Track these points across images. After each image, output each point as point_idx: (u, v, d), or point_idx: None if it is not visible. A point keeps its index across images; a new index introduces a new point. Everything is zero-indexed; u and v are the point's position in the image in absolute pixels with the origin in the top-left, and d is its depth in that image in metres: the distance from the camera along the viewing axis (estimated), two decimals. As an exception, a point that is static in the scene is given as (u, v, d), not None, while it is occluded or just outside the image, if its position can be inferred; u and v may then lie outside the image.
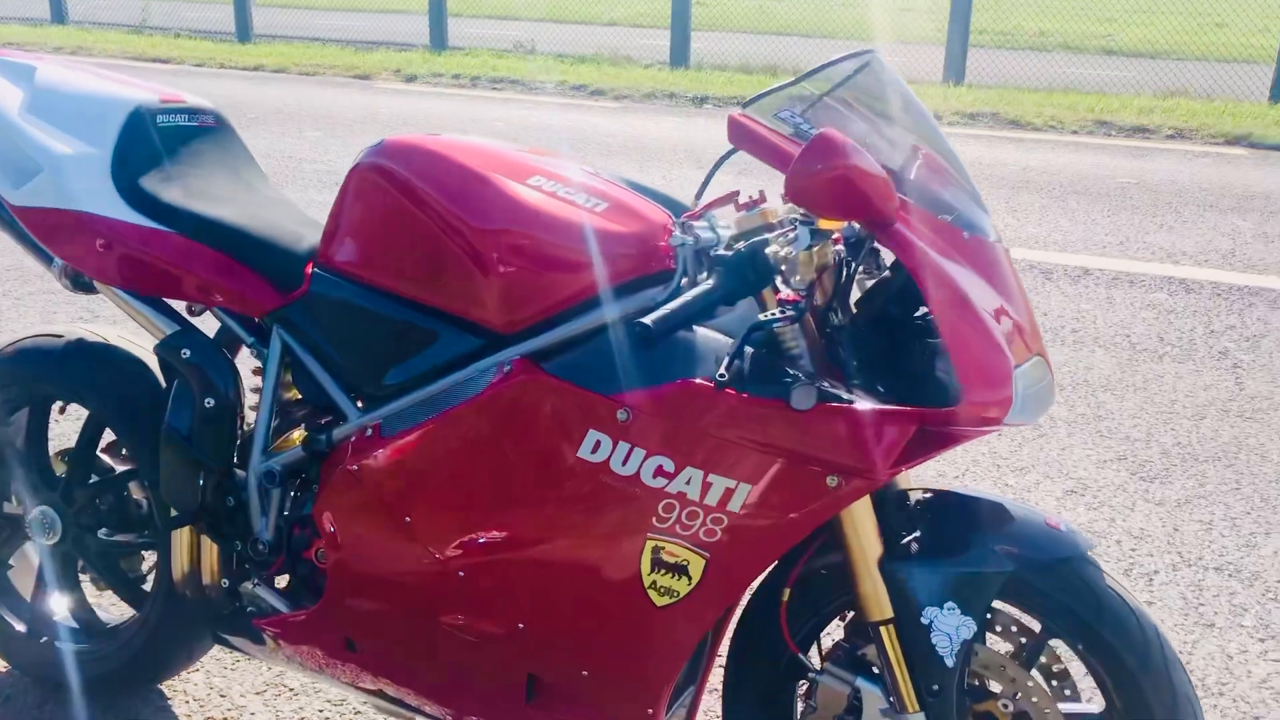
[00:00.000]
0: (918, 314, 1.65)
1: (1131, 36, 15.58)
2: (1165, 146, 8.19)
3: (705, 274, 1.63)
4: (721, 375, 1.48)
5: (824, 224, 1.57)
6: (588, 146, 7.44)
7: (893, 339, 1.65)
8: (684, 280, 1.66)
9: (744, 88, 9.94)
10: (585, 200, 1.74)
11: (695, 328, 1.68)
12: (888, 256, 1.69)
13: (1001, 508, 1.69)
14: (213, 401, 1.97)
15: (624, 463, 1.61)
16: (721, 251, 1.58)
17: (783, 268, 1.56)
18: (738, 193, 1.85)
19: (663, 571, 1.64)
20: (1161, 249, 5.43)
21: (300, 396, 2.05)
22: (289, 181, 6.37)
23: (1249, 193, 6.61)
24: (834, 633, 1.81)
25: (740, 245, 1.58)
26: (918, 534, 1.67)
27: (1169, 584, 2.75)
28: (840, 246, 1.65)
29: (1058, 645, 1.68)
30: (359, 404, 1.92)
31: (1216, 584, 2.76)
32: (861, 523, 1.64)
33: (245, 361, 2.06)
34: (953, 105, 9.18)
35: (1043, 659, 1.69)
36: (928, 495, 1.71)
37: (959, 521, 1.68)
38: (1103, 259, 5.26)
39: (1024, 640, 1.71)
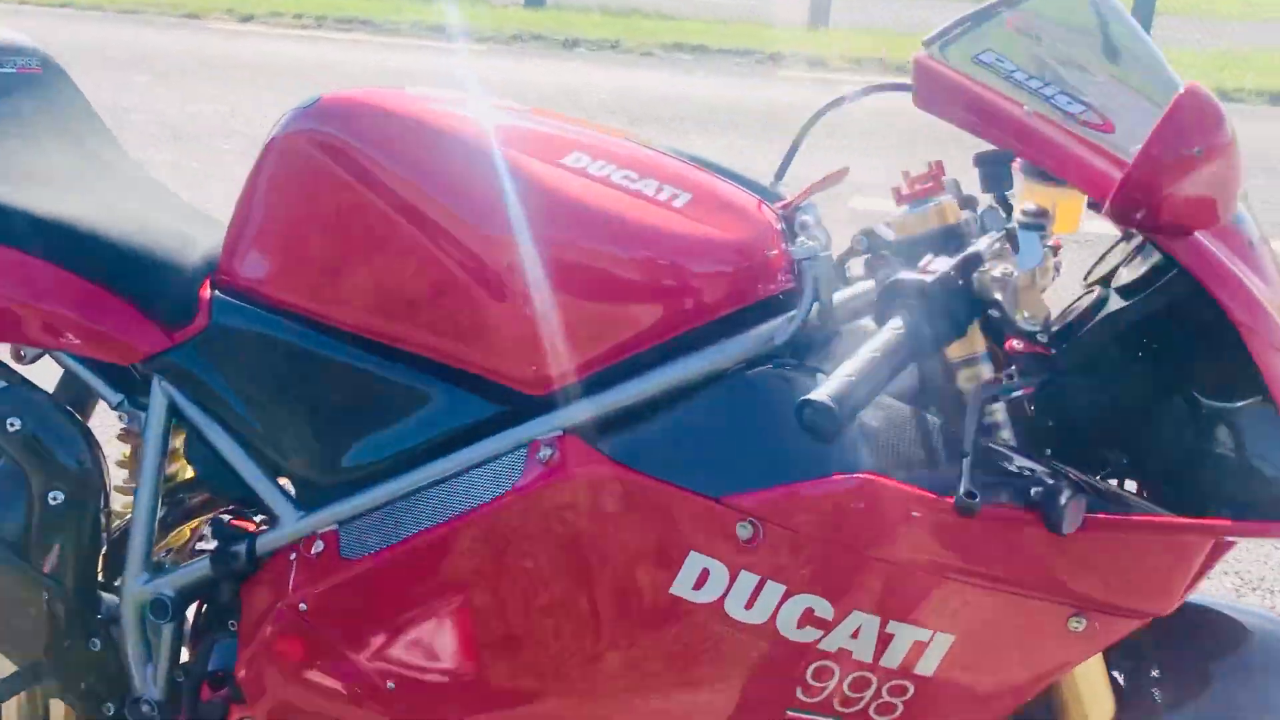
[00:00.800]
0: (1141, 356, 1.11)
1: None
2: (1056, 93, 7.92)
3: (873, 304, 1.08)
4: (969, 495, 0.91)
5: (1060, 228, 1.03)
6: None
7: (1114, 396, 1.10)
8: (815, 307, 1.09)
9: (614, 31, 9.28)
10: (655, 190, 1.14)
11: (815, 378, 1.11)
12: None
13: (1264, 623, 1.19)
14: (61, 494, 1.31)
15: (749, 604, 1.04)
16: (909, 275, 1.01)
17: (997, 295, 1.00)
18: (846, 170, 1.29)
19: (813, 768, 1.07)
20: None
21: (193, 475, 1.40)
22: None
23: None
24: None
25: (935, 264, 1.02)
26: (1155, 673, 1.14)
27: None
28: (1058, 259, 1.10)
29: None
30: (292, 493, 1.28)
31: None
32: (1091, 679, 1.11)
33: (101, 423, 1.40)
34: (837, 50, 8.73)
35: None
36: None
37: (1207, 650, 1.17)
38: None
39: None
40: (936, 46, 1.05)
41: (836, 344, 1.15)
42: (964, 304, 0.98)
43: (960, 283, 0.98)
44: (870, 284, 1.17)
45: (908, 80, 1.42)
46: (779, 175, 1.38)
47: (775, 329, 1.09)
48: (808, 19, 10.38)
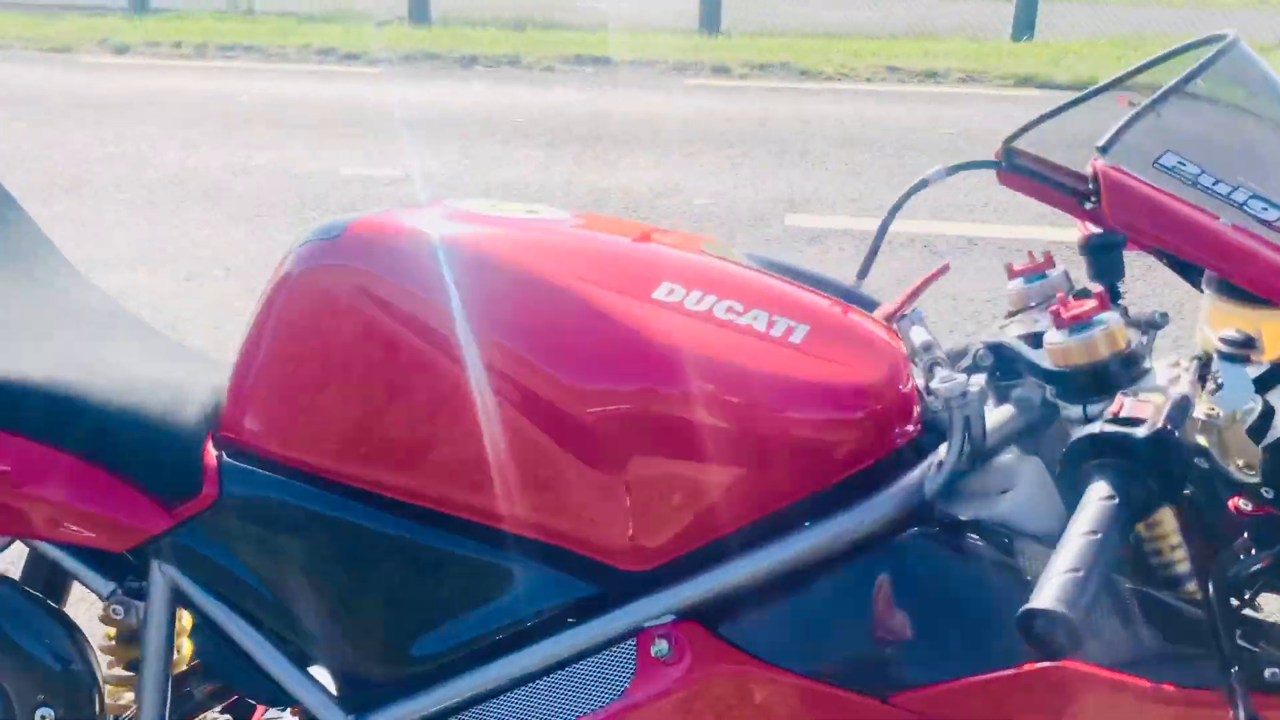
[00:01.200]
0: None
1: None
2: (960, 90, 7.97)
3: (1013, 432, 0.93)
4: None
5: (1270, 354, 0.89)
6: (362, 124, 6.43)
7: None
8: (964, 450, 0.94)
9: (511, 46, 9.05)
10: (767, 324, 0.97)
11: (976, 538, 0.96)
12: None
13: None
14: (52, 712, 1.09)
15: (931, 822, 0.88)
16: (1110, 429, 0.85)
17: (1202, 441, 0.86)
18: (946, 267, 1.15)
19: None
20: (1031, 210, 5.03)
21: (199, 662, 1.19)
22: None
23: (1075, 140, 6.36)
24: None
25: (1130, 407, 0.87)
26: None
27: None
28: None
29: None
30: (332, 689, 1.09)
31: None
32: None
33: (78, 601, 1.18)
34: (739, 56, 8.64)
35: None
36: None
37: None
38: (981, 225, 4.84)
39: None
40: (1114, 154, 0.90)
41: (978, 483, 1.00)
42: (1179, 459, 0.84)
43: (1176, 434, 0.83)
44: (1008, 410, 1.02)
45: (992, 158, 1.30)
46: (862, 273, 1.23)
47: (923, 481, 0.94)
48: (698, 25, 10.28)
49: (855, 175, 5.62)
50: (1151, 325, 1.11)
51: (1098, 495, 0.82)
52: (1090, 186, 1.08)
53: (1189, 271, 1.03)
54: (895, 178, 5.57)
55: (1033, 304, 1.17)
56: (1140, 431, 0.83)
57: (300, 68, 8.46)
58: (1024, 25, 9.91)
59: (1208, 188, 0.89)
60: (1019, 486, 1.02)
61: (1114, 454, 0.84)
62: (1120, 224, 0.93)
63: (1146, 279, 3.81)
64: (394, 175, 5.43)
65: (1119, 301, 1.19)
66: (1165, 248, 0.93)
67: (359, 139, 6.08)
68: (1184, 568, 0.94)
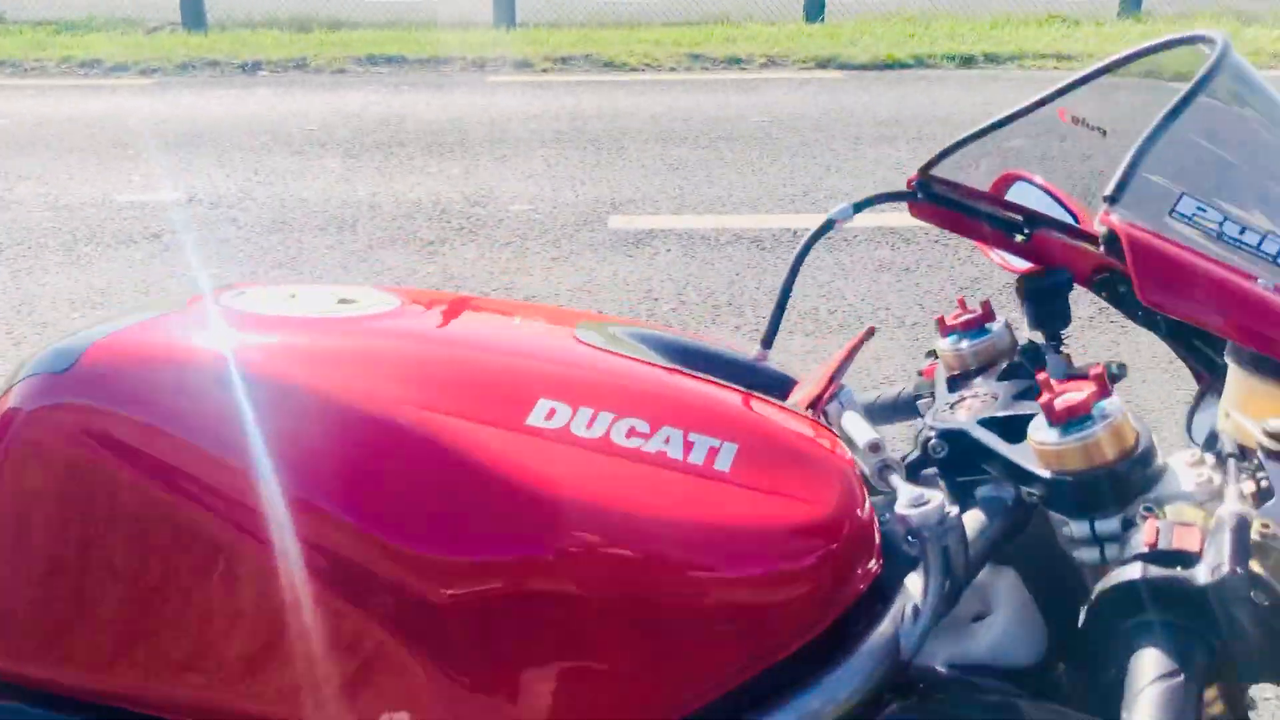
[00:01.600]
0: None
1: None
2: (765, 76, 7.92)
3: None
4: None
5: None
6: (136, 142, 5.89)
7: None
8: (945, 591, 0.73)
9: (297, 48, 8.53)
10: (683, 449, 0.73)
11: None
12: None
13: None
14: None
15: None
16: (1159, 573, 0.65)
17: (1258, 569, 0.67)
18: (872, 331, 0.96)
19: None
20: (851, 196, 4.96)
21: None
22: None
23: (878, 119, 6.37)
24: None
25: (1169, 534, 0.67)
26: None
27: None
28: None
29: None
30: None
31: None
32: None
33: None
34: (539, 50, 8.38)
35: None
36: None
37: None
38: (803, 218, 4.72)
39: None
40: (1127, 204, 0.69)
41: (952, 623, 0.79)
42: (1249, 604, 0.63)
43: (1245, 576, 0.63)
44: (978, 519, 0.81)
45: (901, 189, 1.12)
46: (767, 341, 1.00)
47: (897, 636, 0.71)
48: (492, 19, 9.97)
49: (673, 170, 5.45)
50: (1110, 380, 0.92)
51: (1154, 672, 0.61)
52: (1022, 220, 0.91)
53: (1195, 344, 0.83)
54: (714, 171, 5.43)
55: (974, 367, 0.97)
56: (1199, 575, 0.63)
57: (62, 83, 7.75)
58: (815, 8, 10.00)
59: (1234, 239, 0.70)
60: (997, 611, 0.82)
61: (1165, 607, 0.63)
62: (1153, 300, 0.73)
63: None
64: (175, 198, 4.96)
65: (1061, 350, 1.01)
66: (1197, 321, 0.73)
67: (134, 159, 5.55)
68: (1217, 709, 0.75)
